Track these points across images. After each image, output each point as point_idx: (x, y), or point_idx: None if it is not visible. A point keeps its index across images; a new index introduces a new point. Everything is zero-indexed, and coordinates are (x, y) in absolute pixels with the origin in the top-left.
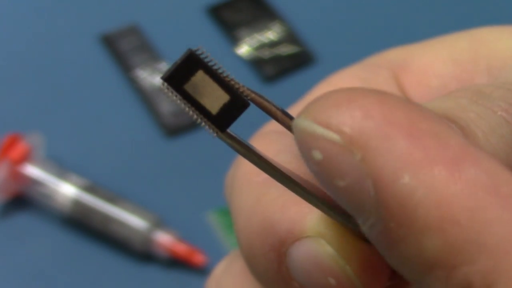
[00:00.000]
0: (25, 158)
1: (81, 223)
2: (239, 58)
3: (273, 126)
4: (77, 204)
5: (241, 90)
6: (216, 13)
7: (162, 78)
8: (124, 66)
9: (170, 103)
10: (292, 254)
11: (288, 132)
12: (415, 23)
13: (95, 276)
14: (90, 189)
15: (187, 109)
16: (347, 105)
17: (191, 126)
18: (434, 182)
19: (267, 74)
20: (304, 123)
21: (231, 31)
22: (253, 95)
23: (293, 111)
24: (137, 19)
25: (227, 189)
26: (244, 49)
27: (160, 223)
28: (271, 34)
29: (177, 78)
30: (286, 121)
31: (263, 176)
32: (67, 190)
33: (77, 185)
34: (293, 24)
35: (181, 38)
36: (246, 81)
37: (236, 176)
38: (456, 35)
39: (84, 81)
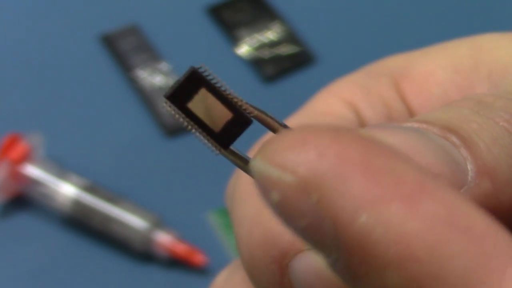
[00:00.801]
0: (25, 158)
1: (81, 223)
2: (239, 58)
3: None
4: (77, 204)
5: (244, 107)
6: (216, 13)
7: (165, 96)
8: (124, 66)
9: None
10: (294, 267)
11: None
12: (415, 23)
13: (95, 276)
14: (90, 189)
15: (189, 127)
16: (301, 147)
17: None
18: (392, 220)
19: (267, 74)
20: (260, 165)
21: (231, 31)
22: (256, 112)
23: (293, 119)
24: (137, 19)
25: (228, 199)
26: (244, 49)
27: (160, 223)
28: (271, 34)
29: (180, 96)
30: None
31: None
32: (67, 190)
33: (77, 185)
34: (293, 24)
35: (181, 38)
36: (246, 81)
37: (237, 186)
38: (457, 42)
39: (84, 81)
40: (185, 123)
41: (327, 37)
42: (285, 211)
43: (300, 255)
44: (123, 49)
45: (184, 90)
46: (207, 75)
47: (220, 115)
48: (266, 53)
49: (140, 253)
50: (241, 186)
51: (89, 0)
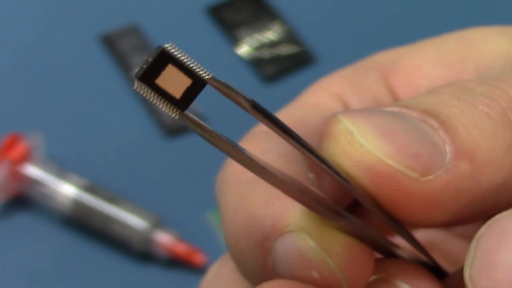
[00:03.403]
0: (25, 158)
1: (81, 223)
2: (239, 58)
3: (262, 127)
4: (77, 204)
5: (200, 72)
6: (216, 13)
7: (136, 77)
8: (124, 66)
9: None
10: (276, 249)
11: (274, 135)
12: (415, 23)
13: (95, 276)
14: (90, 189)
15: (155, 100)
16: None
17: None
18: None
19: (267, 74)
20: None
21: (231, 31)
22: (211, 75)
23: (285, 112)
24: (137, 19)
25: (216, 190)
26: (244, 49)
27: (160, 223)
28: (271, 34)
29: (149, 75)
30: (241, 102)
31: (249, 175)
32: (67, 190)
33: (77, 185)
34: (293, 24)
35: (181, 38)
36: (246, 81)
37: (223, 176)
38: (445, 36)
39: (84, 81)
40: (152, 98)
41: (327, 37)
42: None
43: (281, 237)
44: (123, 49)
45: (153, 69)
46: (174, 52)
47: (181, 83)
48: (266, 53)
49: (140, 253)
50: (227, 175)
51: (89, 0)
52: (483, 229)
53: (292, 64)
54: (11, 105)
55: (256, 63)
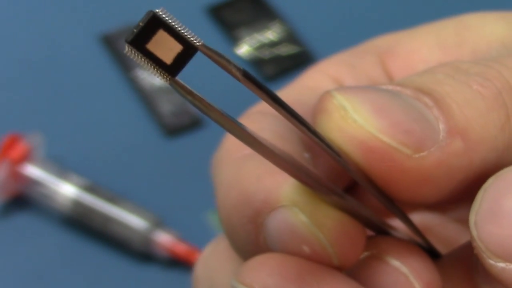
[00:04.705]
0: (25, 158)
1: (81, 223)
2: (239, 58)
3: (259, 107)
4: (77, 204)
5: (191, 38)
6: (216, 13)
7: (127, 41)
8: (124, 66)
9: (170, 103)
10: (268, 224)
11: (272, 114)
12: (416, 23)
13: (95, 276)
14: (90, 189)
15: (145, 64)
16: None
17: (191, 126)
18: None
19: (267, 74)
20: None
21: (231, 31)
22: (202, 42)
23: (282, 92)
24: (137, 19)
25: (212, 170)
26: (244, 49)
27: (160, 223)
28: (271, 34)
29: (140, 40)
30: (232, 71)
31: (242, 152)
32: (67, 190)
33: (77, 185)
34: (293, 24)
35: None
36: None
37: (218, 155)
38: (443, 21)
39: (84, 81)
40: (142, 63)
41: (327, 37)
42: None
43: (273, 212)
44: (123, 49)
45: (144, 33)
46: (164, 17)
47: (172, 49)
48: (266, 53)
49: (140, 253)
50: (221, 153)
51: (89, 0)
52: (490, 180)
53: (292, 64)
54: (11, 105)
55: (256, 63)
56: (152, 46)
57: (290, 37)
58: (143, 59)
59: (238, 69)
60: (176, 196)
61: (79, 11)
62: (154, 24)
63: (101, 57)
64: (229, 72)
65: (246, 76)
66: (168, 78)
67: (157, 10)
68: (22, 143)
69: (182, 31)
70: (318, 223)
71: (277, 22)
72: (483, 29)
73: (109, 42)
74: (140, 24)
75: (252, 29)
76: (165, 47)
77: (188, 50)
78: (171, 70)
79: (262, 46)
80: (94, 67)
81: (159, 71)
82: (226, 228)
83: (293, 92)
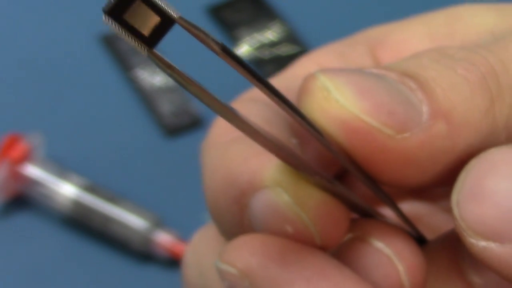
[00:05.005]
0: (25, 158)
1: (81, 223)
2: None
3: (251, 94)
4: (77, 204)
5: (168, 10)
6: (216, 13)
7: (104, 11)
8: (124, 66)
9: (170, 103)
10: (252, 205)
11: (262, 100)
12: None
13: (95, 276)
14: (90, 189)
15: (123, 35)
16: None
17: (191, 126)
18: None
19: (267, 74)
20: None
21: (231, 31)
22: (180, 14)
23: (274, 81)
24: None
25: (200, 155)
26: (244, 49)
27: (160, 223)
28: (271, 34)
29: (118, 10)
30: (211, 45)
31: (230, 136)
32: (67, 190)
33: (77, 185)
34: (293, 24)
35: (181, 38)
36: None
37: (206, 141)
38: (434, 13)
39: (84, 81)
40: (120, 33)
41: (327, 37)
42: None
43: (257, 193)
44: (123, 49)
45: (121, 4)
46: None
47: (150, 20)
48: (266, 53)
49: (140, 253)
50: (209, 139)
51: (89, 0)
52: (473, 161)
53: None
54: (11, 105)
55: (256, 63)
56: (129, 17)
57: (290, 37)
58: (120, 30)
59: (217, 43)
60: (176, 196)
61: (79, 11)
62: None
63: (101, 57)
64: (208, 46)
65: (225, 50)
66: (146, 50)
67: None
68: (22, 143)
69: (160, 3)
70: (301, 203)
71: (277, 22)
72: (473, 19)
73: (109, 42)
74: None
75: (252, 29)
76: (143, 18)
77: (166, 22)
78: (149, 41)
79: (262, 46)
80: (94, 67)
81: (137, 42)
82: (212, 210)
83: (284, 80)
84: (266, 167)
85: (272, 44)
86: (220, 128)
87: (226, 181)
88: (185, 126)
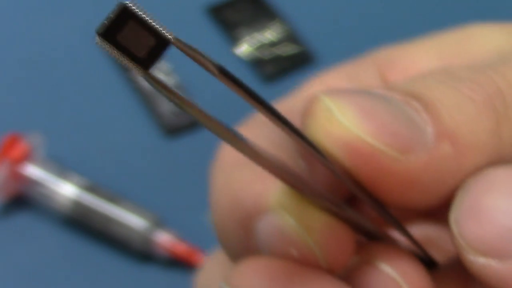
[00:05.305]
0: (25, 158)
1: (81, 223)
2: (239, 58)
3: (257, 117)
4: (77, 204)
5: (162, 31)
6: (216, 13)
7: (97, 33)
8: (124, 66)
9: (170, 103)
10: (259, 228)
11: (269, 123)
12: (416, 23)
13: (95, 276)
14: (90, 189)
15: (119, 57)
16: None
17: (191, 126)
18: None
19: (267, 74)
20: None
21: (231, 31)
22: (175, 37)
23: (283, 103)
24: None
25: (209, 178)
26: (244, 49)
27: (160, 223)
28: (271, 34)
29: (111, 32)
30: (208, 66)
31: (236, 160)
32: (67, 190)
33: (77, 185)
34: (293, 24)
35: (181, 37)
36: (246, 81)
37: (214, 164)
38: (446, 32)
39: (84, 81)
40: (115, 55)
41: (327, 37)
42: None
43: (262, 216)
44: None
45: (114, 26)
46: (136, 10)
47: (145, 42)
48: (266, 53)
49: (140, 253)
50: (216, 161)
51: (89, 1)
52: (470, 180)
53: (292, 64)
54: (11, 105)
55: (256, 63)
56: (123, 38)
57: (290, 37)
58: (115, 52)
59: (214, 64)
60: (176, 196)
61: (78, 11)
62: (125, 16)
63: (100, 57)
64: (205, 67)
65: (222, 71)
66: (141, 72)
67: (127, 2)
68: (22, 143)
69: (154, 24)
70: (306, 226)
71: (277, 22)
72: (484, 40)
73: None
74: (111, 16)
75: (252, 29)
76: (137, 40)
77: (161, 44)
78: (144, 63)
79: (262, 46)
80: (94, 67)
81: (132, 64)
82: (218, 233)
83: (292, 102)
84: (271, 190)
85: (272, 44)
86: (227, 150)
87: (232, 204)
88: (185, 126)
